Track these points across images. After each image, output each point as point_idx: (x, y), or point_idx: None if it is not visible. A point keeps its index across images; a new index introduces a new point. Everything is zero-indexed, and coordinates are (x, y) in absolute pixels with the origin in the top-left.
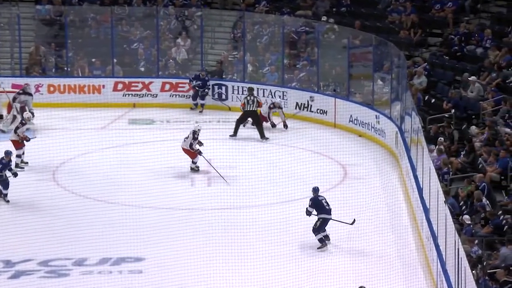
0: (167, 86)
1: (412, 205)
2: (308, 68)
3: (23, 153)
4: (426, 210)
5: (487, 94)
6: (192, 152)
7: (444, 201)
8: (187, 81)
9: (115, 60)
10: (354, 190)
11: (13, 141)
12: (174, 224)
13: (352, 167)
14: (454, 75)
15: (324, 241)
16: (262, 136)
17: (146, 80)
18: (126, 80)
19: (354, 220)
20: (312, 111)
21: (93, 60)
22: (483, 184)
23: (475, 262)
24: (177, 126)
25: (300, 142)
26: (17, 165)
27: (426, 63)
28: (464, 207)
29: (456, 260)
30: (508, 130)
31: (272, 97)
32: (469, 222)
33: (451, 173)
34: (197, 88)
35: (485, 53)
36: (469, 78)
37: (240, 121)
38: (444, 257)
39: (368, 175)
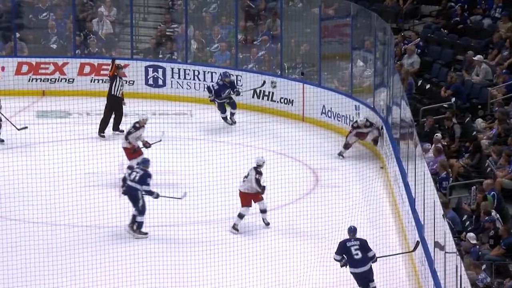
0: (87, 69)
1: (402, 220)
2: (268, 45)
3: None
4: (419, 227)
5: (496, 78)
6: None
7: (443, 215)
8: (209, 96)
9: (17, 35)
10: (328, 201)
11: (125, 149)
12: (97, 245)
13: (325, 172)
14: (454, 53)
15: None
16: (100, 131)
17: (59, 61)
18: (33, 61)
19: (418, 242)
20: (274, 101)
21: None
22: (492, 193)
23: None
24: (100, 120)
25: (259, 141)
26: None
27: (419, 39)
28: (468, 223)
29: None
30: None
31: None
32: (475, 242)
33: (451, 179)
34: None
35: (494, 25)
36: (473, 58)
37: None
38: (443, 286)
39: (345, 182)
